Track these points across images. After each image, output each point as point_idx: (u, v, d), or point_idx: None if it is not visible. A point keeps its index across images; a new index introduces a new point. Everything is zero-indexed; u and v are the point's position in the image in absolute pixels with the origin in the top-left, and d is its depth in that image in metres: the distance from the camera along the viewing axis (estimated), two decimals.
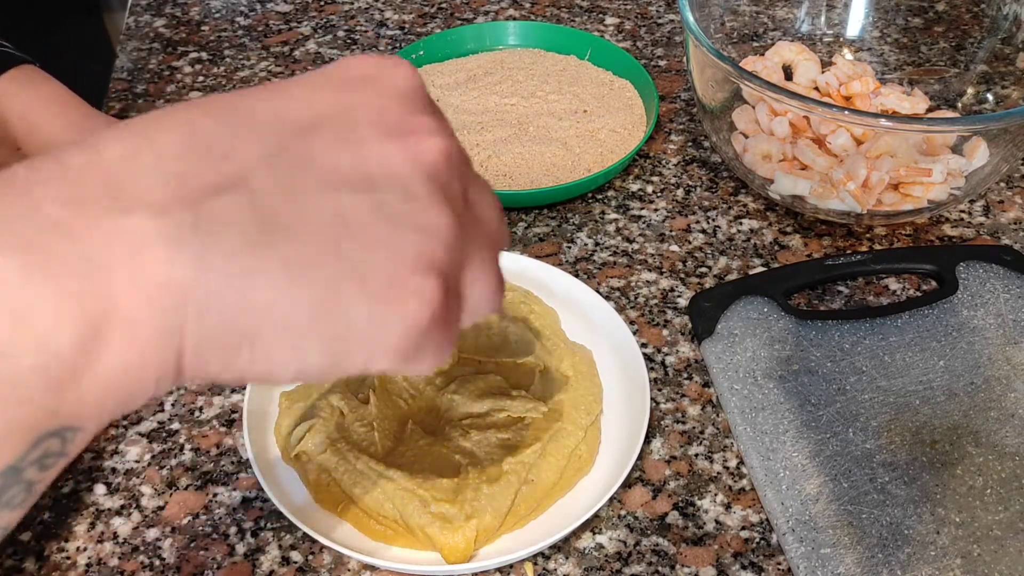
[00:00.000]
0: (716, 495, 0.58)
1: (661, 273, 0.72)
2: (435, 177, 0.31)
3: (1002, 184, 0.79)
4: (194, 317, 0.27)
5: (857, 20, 0.88)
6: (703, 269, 0.72)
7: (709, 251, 0.73)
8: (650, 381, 0.62)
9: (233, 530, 0.57)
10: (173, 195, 0.27)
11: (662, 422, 0.62)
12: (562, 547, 0.56)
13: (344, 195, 0.29)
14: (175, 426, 0.62)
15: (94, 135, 0.28)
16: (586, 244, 0.74)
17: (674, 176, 0.80)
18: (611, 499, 0.57)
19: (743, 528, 0.57)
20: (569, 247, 0.74)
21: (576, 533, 0.56)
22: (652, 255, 0.73)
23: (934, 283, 0.70)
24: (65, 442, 0.27)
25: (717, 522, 0.57)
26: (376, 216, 0.29)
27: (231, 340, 0.28)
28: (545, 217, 0.76)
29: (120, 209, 0.26)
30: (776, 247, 0.74)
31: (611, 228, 0.75)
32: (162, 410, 0.63)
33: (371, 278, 0.29)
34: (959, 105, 0.82)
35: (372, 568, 0.55)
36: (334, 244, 0.28)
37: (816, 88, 0.82)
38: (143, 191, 0.27)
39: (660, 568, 0.55)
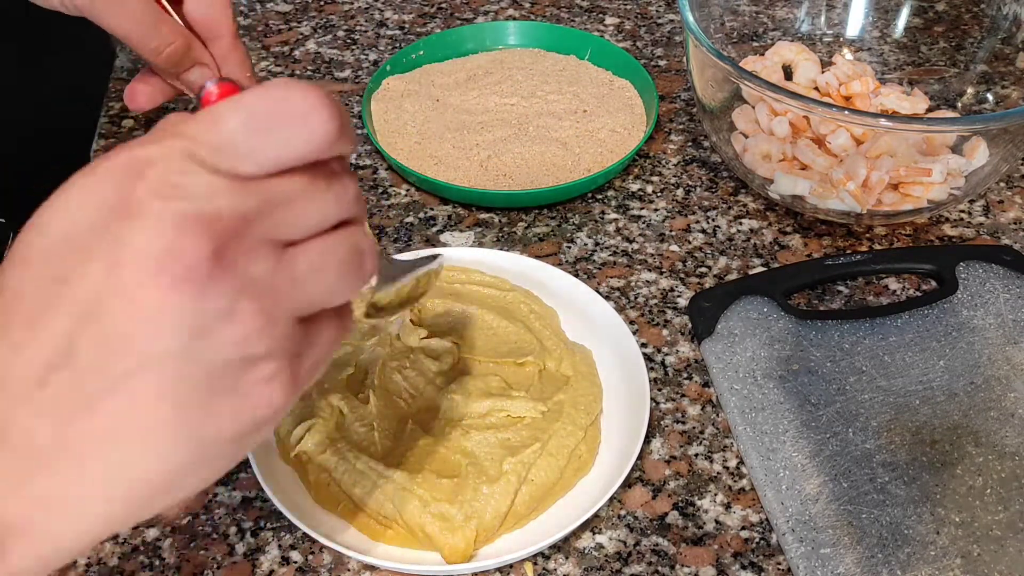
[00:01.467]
0: (716, 495, 0.58)
1: (661, 273, 0.72)
2: (206, 289, 0.31)
3: (1002, 184, 0.79)
4: (75, 498, 0.32)
5: (857, 20, 0.88)
6: (703, 269, 0.72)
7: (709, 251, 0.73)
8: (650, 381, 0.61)
9: (233, 530, 0.57)
10: (49, 429, 0.31)
11: (662, 422, 0.62)
12: (562, 547, 0.56)
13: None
14: None
15: None
16: (586, 244, 0.74)
17: (674, 176, 0.80)
18: (611, 499, 0.57)
19: (743, 528, 0.57)
20: (569, 247, 0.74)
21: (576, 533, 0.56)
22: (652, 255, 0.73)
23: (934, 283, 0.70)
24: None
25: (717, 522, 0.57)
26: (184, 352, 0.31)
27: (112, 495, 0.32)
28: (545, 217, 0.76)
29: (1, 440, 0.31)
30: (776, 247, 0.74)
31: (611, 228, 0.75)
32: None
33: (212, 401, 0.32)
34: (959, 105, 0.82)
35: (372, 568, 0.55)
36: (173, 418, 0.32)
37: (816, 88, 0.82)
38: (19, 429, 0.31)
39: (660, 568, 0.55)
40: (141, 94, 0.57)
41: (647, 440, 0.61)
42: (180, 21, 0.54)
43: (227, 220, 0.31)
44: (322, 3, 1.00)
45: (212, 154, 0.31)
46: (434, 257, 0.48)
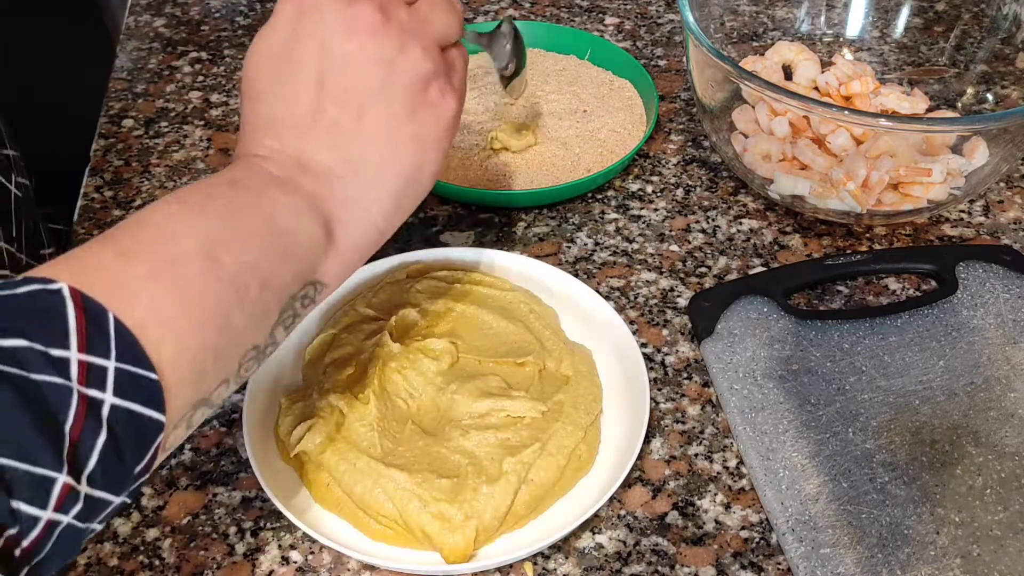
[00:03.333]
0: (716, 495, 0.58)
1: (661, 273, 0.72)
2: (383, 34, 0.47)
3: (1002, 184, 0.79)
4: (363, 195, 0.48)
5: (857, 20, 0.88)
6: (703, 269, 0.72)
7: (709, 251, 0.73)
8: (650, 381, 0.62)
9: (233, 530, 0.57)
10: (330, 156, 0.47)
11: (662, 422, 0.62)
12: (562, 547, 0.56)
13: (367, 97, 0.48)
14: None
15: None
16: (586, 244, 0.74)
17: (674, 176, 0.80)
18: (611, 499, 0.57)
19: (743, 528, 0.57)
20: (569, 247, 0.74)
21: (576, 533, 0.56)
22: (652, 255, 0.73)
23: (934, 283, 0.71)
24: (316, 291, 0.47)
25: (717, 522, 0.57)
26: (386, 81, 0.48)
27: (387, 189, 0.49)
28: (545, 217, 0.76)
29: (303, 169, 0.47)
30: (776, 247, 0.74)
31: (611, 228, 0.75)
32: None
33: (415, 112, 0.48)
34: (959, 105, 0.82)
35: (372, 568, 0.55)
36: (391, 114, 0.48)
37: (816, 88, 0.82)
38: (313, 160, 0.47)
39: (660, 568, 0.55)
40: None
41: (647, 440, 0.61)
42: None
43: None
44: None
45: None
46: (513, 28, 0.64)
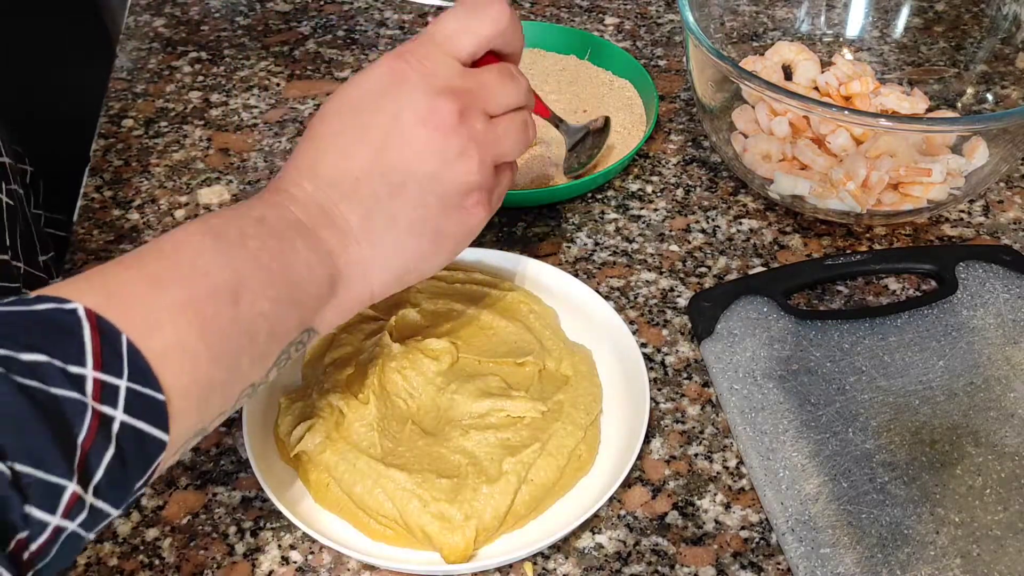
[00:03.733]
0: (716, 495, 0.58)
1: (661, 273, 0.72)
2: (454, 134, 0.49)
3: (1002, 184, 0.79)
4: (371, 262, 0.50)
5: (857, 20, 0.88)
6: (703, 269, 0.72)
7: (709, 251, 0.73)
8: (650, 381, 0.62)
9: (233, 530, 0.57)
10: (357, 218, 0.49)
11: (662, 422, 0.62)
12: (562, 547, 0.56)
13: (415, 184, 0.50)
14: None
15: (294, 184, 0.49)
16: (586, 244, 0.74)
17: (674, 176, 0.80)
18: (611, 499, 0.57)
19: (743, 528, 0.57)
20: (569, 247, 0.74)
21: (576, 533, 0.56)
22: (652, 255, 0.73)
23: (934, 283, 0.71)
24: (309, 338, 0.49)
25: (717, 522, 0.57)
26: (436, 175, 0.50)
27: (393, 265, 0.51)
28: (545, 217, 0.76)
29: (329, 223, 0.49)
30: (776, 247, 0.74)
31: (611, 228, 0.75)
32: None
33: (448, 211, 0.51)
34: (959, 105, 0.82)
35: (372, 568, 0.55)
36: (426, 205, 0.50)
37: (816, 88, 0.82)
38: (340, 216, 0.49)
39: (660, 568, 0.55)
40: None
41: (647, 440, 0.61)
42: None
43: (462, 93, 0.50)
44: (322, 3, 1.00)
45: (443, 40, 0.51)
46: (605, 122, 0.70)
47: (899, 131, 0.70)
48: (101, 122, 0.86)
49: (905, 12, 0.88)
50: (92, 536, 0.39)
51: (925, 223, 0.76)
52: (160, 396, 0.39)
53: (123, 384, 0.38)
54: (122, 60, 0.93)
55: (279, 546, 0.56)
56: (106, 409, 0.37)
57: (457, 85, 0.50)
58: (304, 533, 0.56)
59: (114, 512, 0.39)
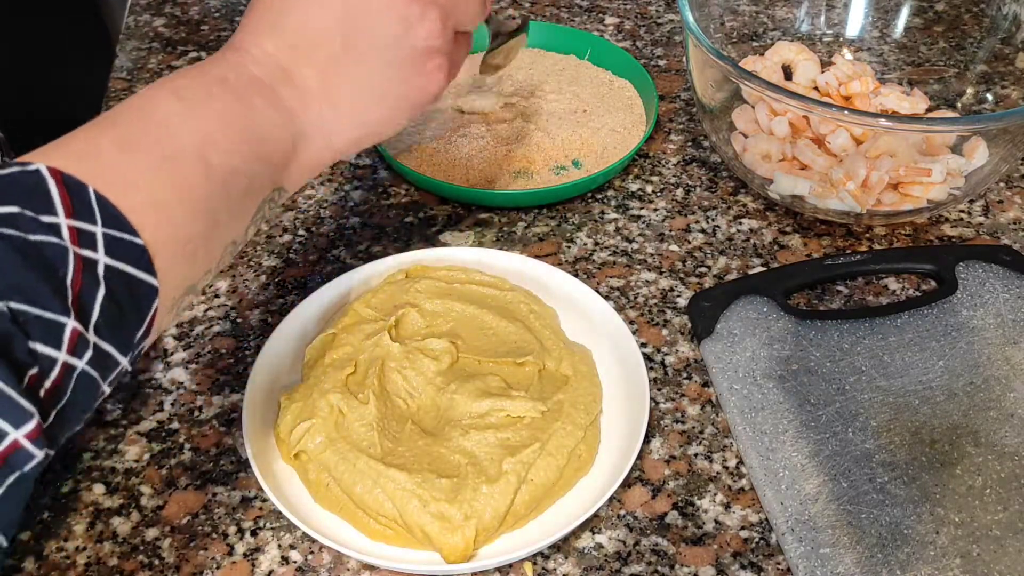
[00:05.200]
0: (715, 495, 0.58)
1: (660, 273, 0.72)
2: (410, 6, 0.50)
3: (1001, 184, 0.79)
4: (332, 123, 0.51)
5: (857, 20, 0.88)
6: (703, 269, 0.72)
7: (708, 251, 0.73)
8: (649, 381, 0.62)
9: (232, 530, 0.57)
10: (317, 79, 0.50)
11: (661, 422, 0.62)
12: (561, 547, 0.56)
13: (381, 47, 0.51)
14: (174, 426, 0.62)
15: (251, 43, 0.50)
16: (585, 244, 0.74)
17: (674, 176, 0.80)
18: (610, 499, 0.57)
19: (742, 528, 0.57)
20: (569, 247, 0.74)
21: (575, 533, 0.56)
22: (651, 255, 0.73)
23: (933, 283, 0.71)
24: (280, 195, 0.50)
25: (716, 522, 0.57)
26: (396, 38, 0.50)
27: (353, 125, 0.52)
28: (545, 217, 0.76)
29: (288, 82, 0.49)
30: (776, 247, 0.74)
31: (611, 228, 0.75)
32: (161, 410, 0.63)
33: (408, 76, 0.52)
34: (959, 105, 0.82)
35: (371, 568, 0.55)
36: (387, 69, 0.51)
37: (816, 88, 0.82)
38: (299, 76, 0.49)
39: (659, 568, 0.55)
40: None
41: (647, 440, 0.61)
42: None
43: None
44: None
45: None
46: (523, 28, 0.67)
47: (899, 131, 0.70)
48: None
49: (905, 12, 0.88)
50: (107, 388, 0.40)
51: (925, 223, 0.76)
52: (138, 240, 0.40)
53: (99, 230, 0.39)
54: (122, 60, 0.93)
55: (279, 546, 0.56)
56: (87, 253, 0.38)
57: None
58: (304, 533, 0.56)
59: (120, 358, 0.40)
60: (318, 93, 0.50)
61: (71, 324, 0.37)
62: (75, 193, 0.39)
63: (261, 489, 0.56)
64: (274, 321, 0.67)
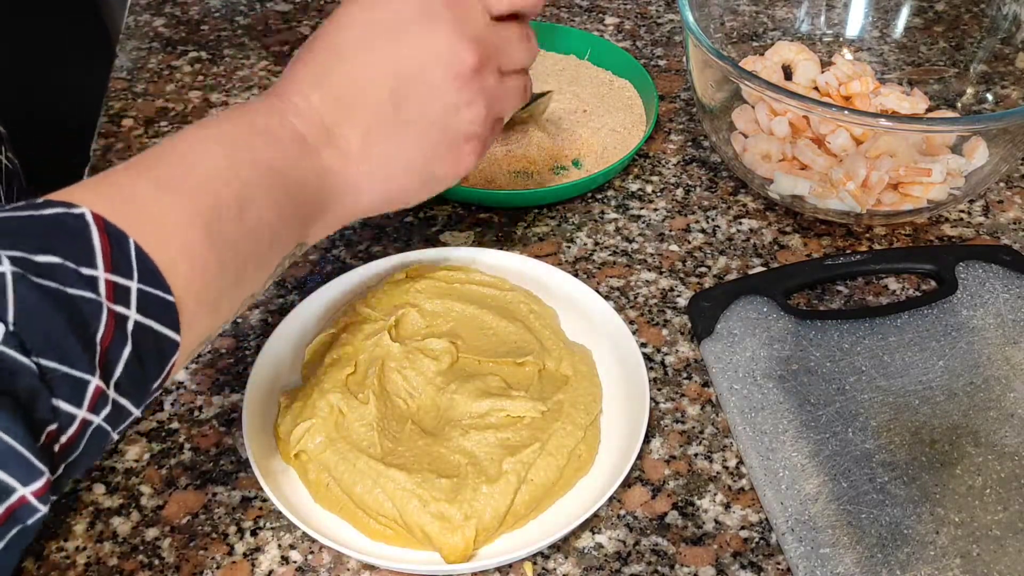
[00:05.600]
0: (715, 495, 0.58)
1: (660, 273, 0.72)
2: (470, 83, 0.51)
3: (1001, 184, 0.79)
4: (362, 186, 0.51)
5: (857, 20, 0.88)
6: (703, 269, 0.72)
7: (708, 251, 0.73)
8: (649, 381, 0.62)
9: (232, 529, 0.57)
10: (358, 141, 0.50)
11: (661, 422, 0.62)
12: (561, 547, 0.56)
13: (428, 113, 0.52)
14: (174, 426, 0.62)
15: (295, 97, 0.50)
16: (585, 244, 0.74)
17: (674, 176, 0.80)
18: (610, 499, 0.57)
19: (742, 528, 0.57)
20: (569, 247, 0.74)
21: (575, 533, 0.56)
22: (651, 255, 0.73)
23: (933, 283, 0.71)
24: (300, 250, 0.50)
25: (716, 522, 0.57)
26: (442, 118, 0.51)
27: (381, 191, 0.52)
28: (545, 217, 0.76)
29: (330, 142, 0.49)
30: (775, 247, 0.74)
31: (611, 228, 0.75)
32: (161, 410, 0.63)
33: (444, 153, 0.53)
34: (959, 105, 0.82)
35: (371, 568, 0.55)
36: (427, 141, 0.52)
37: (816, 88, 0.82)
38: (342, 137, 0.50)
39: (659, 568, 0.55)
40: None
41: (647, 440, 0.61)
42: None
43: (486, 45, 0.51)
44: (322, 3, 1.00)
45: None
46: (545, 93, 0.72)
47: (899, 131, 0.70)
48: (101, 122, 0.86)
49: (905, 12, 0.88)
50: (116, 436, 0.40)
51: (925, 223, 0.76)
52: (170, 297, 0.40)
53: (134, 285, 0.39)
54: (122, 60, 0.93)
55: (279, 546, 0.56)
56: (120, 309, 0.39)
57: (483, 36, 0.51)
58: (304, 533, 0.56)
59: (134, 410, 0.41)
60: (357, 155, 0.50)
61: (95, 382, 0.37)
62: (116, 244, 0.39)
63: (261, 489, 0.56)
64: (274, 321, 0.67)
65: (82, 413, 0.37)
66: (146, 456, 0.60)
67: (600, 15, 0.98)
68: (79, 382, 0.37)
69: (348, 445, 0.56)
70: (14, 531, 0.35)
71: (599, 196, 0.78)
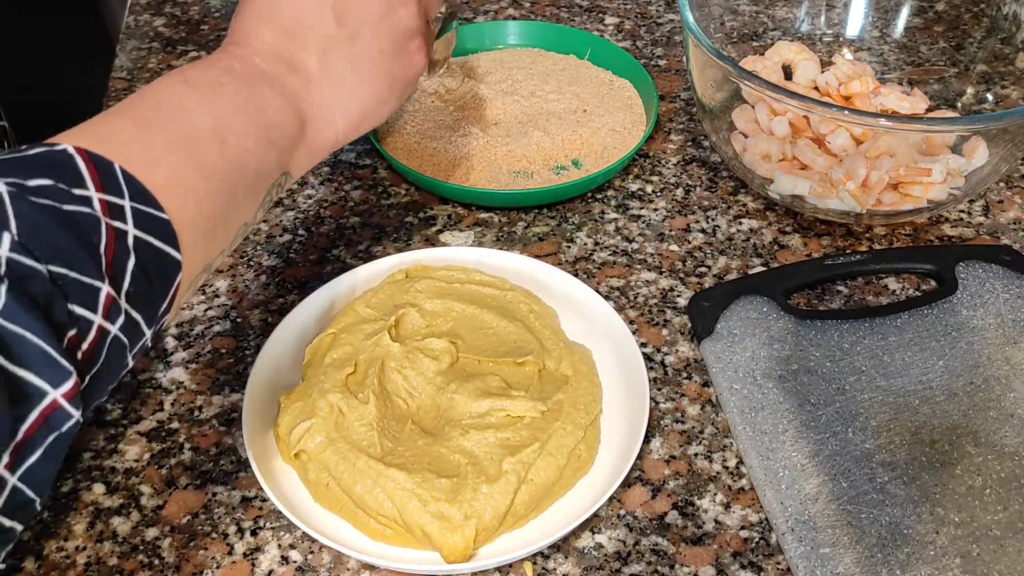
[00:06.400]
0: (715, 495, 0.58)
1: (660, 273, 0.72)
2: None
3: (1001, 184, 0.79)
4: (334, 103, 0.54)
5: (857, 20, 0.88)
6: (702, 269, 0.72)
7: (708, 251, 0.73)
8: (649, 381, 0.62)
9: (232, 529, 0.57)
10: (316, 63, 0.53)
11: (661, 422, 0.62)
12: (561, 547, 0.56)
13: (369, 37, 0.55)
14: (174, 425, 0.62)
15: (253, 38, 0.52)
16: (585, 244, 0.74)
17: (674, 176, 0.80)
18: (610, 499, 0.57)
19: (742, 528, 0.57)
20: (569, 247, 0.74)
21: (575, 533, 0.56)
22: (651, 255, 0.73)
23: (933, 283, 0.71)
24: (286, 180, 0.53)
25: (716, 522, 0.57)
26: (383, 21, 0.55)
27: (353, 103, 0.55)
28: (545, 217, 0.76)
29: (291, 69, 0.52)
30: (775, 247, 0.74)
31: (611, 228, 0.75)
32: (161, 409, 0.63)
33: (396, 53, 0.56)
34: (959, 105, 0.82)
35: (371, 568, 0.55)
36: (378, 44, 0.55)
37: (816, 88, 0.82)
38: (299, 61, 0.53)
39: (659, 568, 0.55)
40: None
41: (647, 440, 0.61)
42: None
43: None
44: None
45: None
46: (453, 17, 0.71)
47: (899, 131, 0.70)
48: None
49: (905, 12, 0.88)
50: (131, 359, 0.42)
51: (925, 223, 0.76)
52: (164, 215, 0.42)
53: (127, 203, 0.41)
54: (122, 60, 0.93)
55: (279, 546, 0.56)
56: (117, 224, 0.40)
57: None
58: (304, 533, 0.56)
59: (146, 329, 0.42)
60: (319, 75, 0.53)
61: (106, 289, 0.38)
62: (102, 169, 0.41)
63: (261, 489, 0.56)
64: (274, 321, 0.67)
65: (98, 319, 0.38)
66: (146, 456, 0.60)
67: (600, 15, 0.98)
68: (90, 288, 0.38)
69: (348, 445, 0.56)
70: (51, 438, 0.36)
71: (599, 196, 0.78)
